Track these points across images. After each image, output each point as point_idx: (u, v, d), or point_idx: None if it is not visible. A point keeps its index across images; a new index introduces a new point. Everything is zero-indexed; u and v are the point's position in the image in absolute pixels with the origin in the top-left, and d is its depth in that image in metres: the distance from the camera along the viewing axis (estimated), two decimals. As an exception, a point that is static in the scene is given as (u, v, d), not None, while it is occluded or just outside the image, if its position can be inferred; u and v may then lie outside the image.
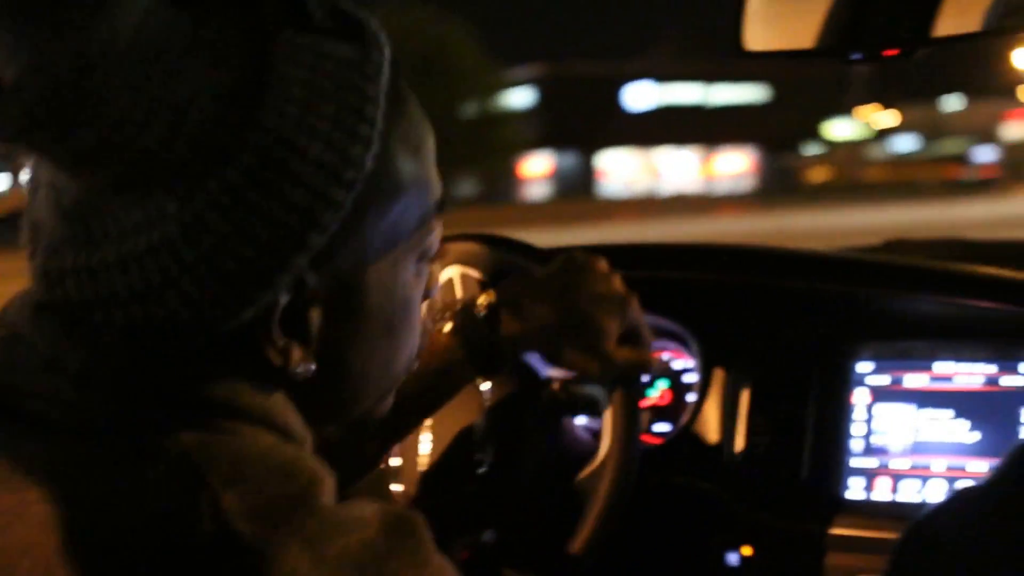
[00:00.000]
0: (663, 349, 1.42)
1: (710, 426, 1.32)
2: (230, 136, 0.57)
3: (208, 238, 0.57)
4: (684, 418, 1.35)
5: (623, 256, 1.43)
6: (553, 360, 1.03)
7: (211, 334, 0.60)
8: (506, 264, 1.18)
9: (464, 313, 1.02)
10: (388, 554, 0.58)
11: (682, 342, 1.39)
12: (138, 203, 0.58)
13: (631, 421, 1.09)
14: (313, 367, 0.63)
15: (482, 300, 1.02)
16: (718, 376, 1.33)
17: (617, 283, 1.04)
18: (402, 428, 1.04)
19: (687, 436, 1.33)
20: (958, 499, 0.60)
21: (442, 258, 1.18)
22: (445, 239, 0.99)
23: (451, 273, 1.20)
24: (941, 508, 0.61)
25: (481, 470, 1.11)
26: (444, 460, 1.14)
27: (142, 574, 0.55)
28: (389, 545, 0.59)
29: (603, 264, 1.04)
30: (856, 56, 1.19)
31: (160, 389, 0.60)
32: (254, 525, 0.56)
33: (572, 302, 1.01)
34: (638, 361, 1.04)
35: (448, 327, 1.03)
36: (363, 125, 0.61)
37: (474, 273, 1.19)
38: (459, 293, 1.19)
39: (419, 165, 0.66)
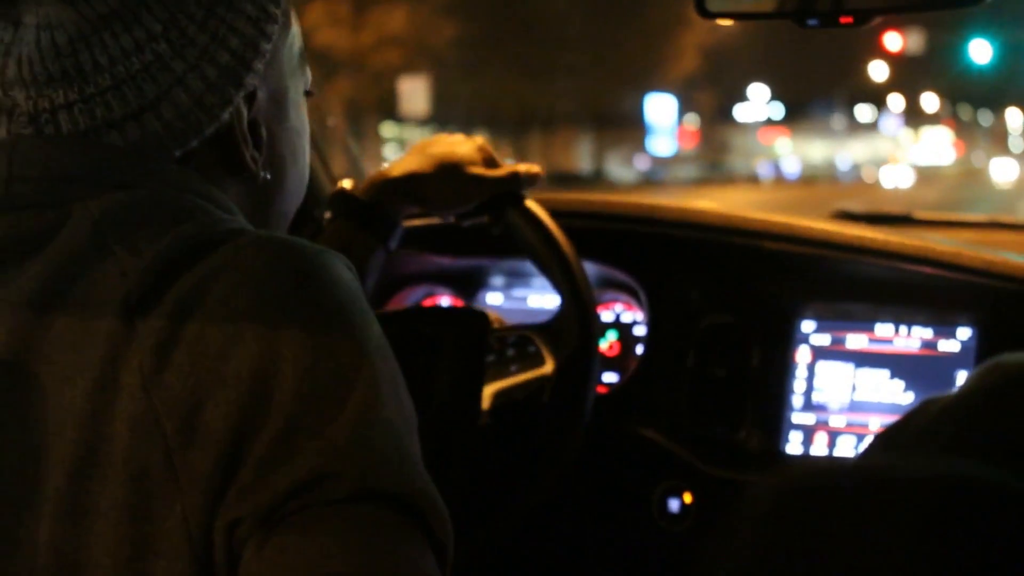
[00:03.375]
0: (614, 301, 1.45)
1: (657, 377, 1.35)
2: None
3: (192, 50, 0.71)
4: (632, 369, 1.39)
5: (578, 210, 1.46)
6: (427, 201, 1.15)
7: (196, 139, 0.71)
8: None
9: (335, 197, 1.14)
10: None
11: (633, 295, 1.43)
12: (126, 31, 0.69)
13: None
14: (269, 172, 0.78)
15: (344, 183, 1.17)
16: (666, 329, 1.37)
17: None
18: None
19: (635, 386, 1.36)
20: (925, 406, 0.61)
21: None
22: None
23: None
24: (908, 414, 0.61)
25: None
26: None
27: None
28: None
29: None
30: (812, 22, 1.22)
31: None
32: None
33: (429, 152, 1.15)
34: (511, 172, 1.16)
35: (328, 214, 1.17)
36: None
37: None
38: None
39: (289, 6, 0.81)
